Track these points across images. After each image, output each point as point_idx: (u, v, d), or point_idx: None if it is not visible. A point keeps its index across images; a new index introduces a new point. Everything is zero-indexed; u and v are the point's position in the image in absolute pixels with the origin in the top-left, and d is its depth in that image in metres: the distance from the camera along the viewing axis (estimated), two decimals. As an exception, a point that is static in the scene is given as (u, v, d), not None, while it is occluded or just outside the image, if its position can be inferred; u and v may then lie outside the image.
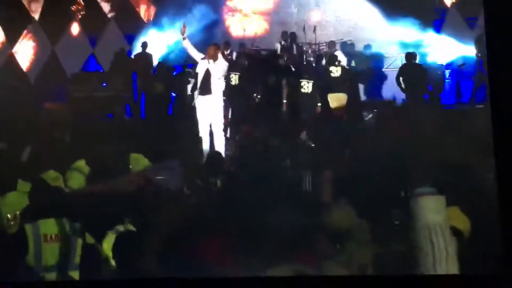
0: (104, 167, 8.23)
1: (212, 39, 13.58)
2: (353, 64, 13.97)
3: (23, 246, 5.00)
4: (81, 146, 9.06)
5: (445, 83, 14.15)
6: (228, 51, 13.59)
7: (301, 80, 12.09)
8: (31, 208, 5.54)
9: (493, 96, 3.52)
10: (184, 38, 9.90)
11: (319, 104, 12.06)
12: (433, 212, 3.31)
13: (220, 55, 9.91)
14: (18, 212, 5.92)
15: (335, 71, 12.29)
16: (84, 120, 12.58)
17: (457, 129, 9.18)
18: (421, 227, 3.28)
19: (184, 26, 10.07)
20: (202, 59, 9.75)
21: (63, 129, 10.97)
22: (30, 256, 5.01)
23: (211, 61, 9.63)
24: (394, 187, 5.60)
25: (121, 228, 5.36)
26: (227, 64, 10.06)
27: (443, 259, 3.24)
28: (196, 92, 9.75)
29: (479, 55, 13.36)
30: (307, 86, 12.00)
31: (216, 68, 9.62)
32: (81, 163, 8.23)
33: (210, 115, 9.65)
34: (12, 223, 5.87)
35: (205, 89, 9.57)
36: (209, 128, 9.73)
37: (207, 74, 9.59)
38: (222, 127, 9.78)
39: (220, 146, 9.64)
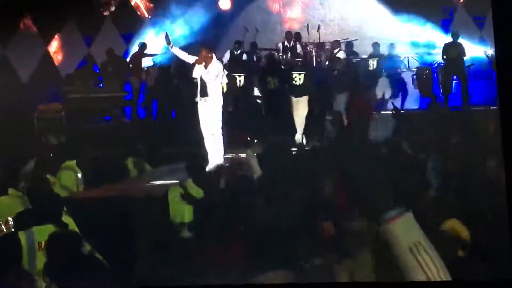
0: (100, 171, 8.34)
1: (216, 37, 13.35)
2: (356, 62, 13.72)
3: (16, 253, 4.77)
4: (76, 149, 8.91)
5: (452, 84, 13.86)
6: (239, 51, 13.54)
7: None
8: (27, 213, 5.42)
9: (502, 97, 3.46)
10: (171, 47, 9.82)
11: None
12: (408, 232, 3.17)
13: (214, 57, 9.70)
14: (10, 218, 5.74)
15: (298, 79, 11.97)
16: (79, 122, 12.40)
17: (464, 131, 8.91)
18: (402, 253, 3.15)
19: (167, 36, 9.96)
20: (194, 63, 9.60)
21: (57, 132, 10.74)
22: (24, 264, 4.83)
23: (201, 66, 9.47)
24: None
25: None
26: (221, 65, 9.86)
27: (435, 275, 3.11)
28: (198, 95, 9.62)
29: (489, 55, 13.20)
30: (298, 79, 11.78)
31: (207, 73, 9.48)
32: (72, 163, 8.33)
33: (209, 117, 9.56)
34: (3, 227, 5.75)
35: (203, 92, 9.52)
36: (209, 130, 9.62)
37: (202, 78, 9.52)
38: (220, 130, 9.60)
39: (219, 148, 9.52)
